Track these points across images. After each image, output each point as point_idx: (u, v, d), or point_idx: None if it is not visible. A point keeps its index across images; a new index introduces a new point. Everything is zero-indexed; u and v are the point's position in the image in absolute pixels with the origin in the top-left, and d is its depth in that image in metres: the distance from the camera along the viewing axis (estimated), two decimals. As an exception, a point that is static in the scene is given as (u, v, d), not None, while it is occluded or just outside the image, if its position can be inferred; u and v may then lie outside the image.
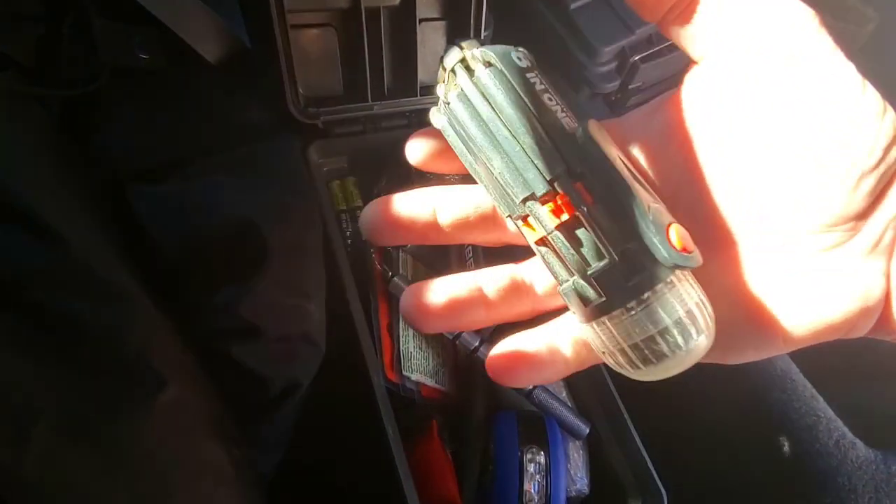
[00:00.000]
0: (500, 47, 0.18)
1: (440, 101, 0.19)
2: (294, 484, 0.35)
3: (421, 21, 0.40)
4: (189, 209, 0.29)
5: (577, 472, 0.33)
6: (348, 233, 0.40)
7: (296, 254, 0.30)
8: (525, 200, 0.17)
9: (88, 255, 0.26)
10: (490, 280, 0.21)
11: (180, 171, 0.33)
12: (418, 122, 0.43)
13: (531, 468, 0.30)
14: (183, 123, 0.36)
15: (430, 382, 0.37)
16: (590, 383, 0.37)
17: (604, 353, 0.17)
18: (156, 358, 0.26)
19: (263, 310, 0.28)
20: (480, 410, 0.37)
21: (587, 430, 0.34)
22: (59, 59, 0.36)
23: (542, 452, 0.31)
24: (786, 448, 0.35)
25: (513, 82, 0.17)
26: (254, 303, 0.28)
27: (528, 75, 0.17)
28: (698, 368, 0.42)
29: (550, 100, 0.17)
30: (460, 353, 0.40)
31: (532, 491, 0.29)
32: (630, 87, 0.48)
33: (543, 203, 0.17)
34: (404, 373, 0.36)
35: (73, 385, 0.24)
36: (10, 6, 0.34)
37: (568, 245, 0.16)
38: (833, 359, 0.45)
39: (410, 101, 0.42)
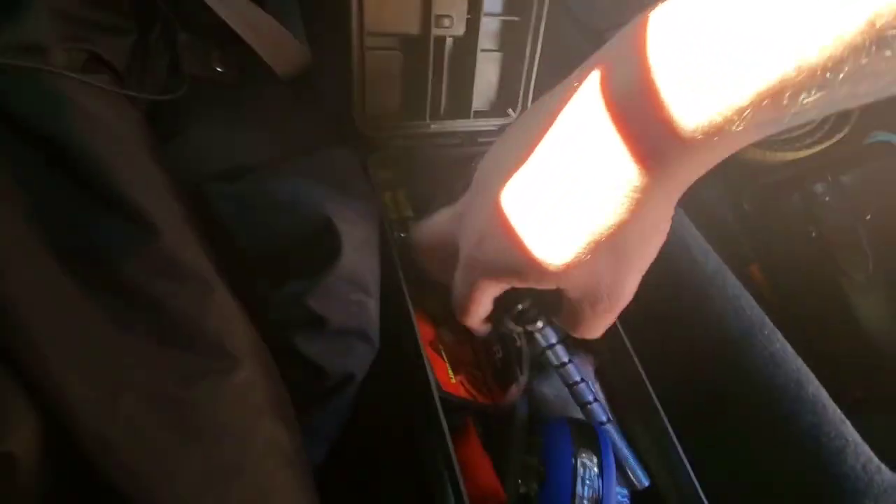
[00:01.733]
0: None
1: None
2: (333, 480, 0.36)
3: (481, 51, 0.43)
4: (268, 207, 0.31)
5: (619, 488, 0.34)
6: (398, 242, 0.42)
7: (362, 252, 0.32)
8: None
9: (177, 244, 0.28)
10: None
11: (254, 174, 0.36)
12: (470, 143, 0.45)
13: (584, 473, 0.31)
14: (254, 133, 0.39)
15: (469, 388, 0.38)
16: (631, 397, 0.38)
17: None
18: (231, 340, 0.28)
19: (330, 302, 0.30)
20: (523, 414, 0.38)
21: (647, 483, 0.35)
22: (146, 68, 0.40)
23: (595, 458, 0.31)
24: (815, 471, 0.36)
25: None
26: (322, 295, 0.30)
27: None
28: (734, 397, 0.43)
29: None
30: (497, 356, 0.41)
31: (585, 495, 0.30)
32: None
33: None
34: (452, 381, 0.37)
35: (158, 361, 0.26)
36: (109, 19, 0.38)
37: None
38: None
39: (464, 122, 0.45)
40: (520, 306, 0.36)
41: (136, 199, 0.28)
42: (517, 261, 0.29)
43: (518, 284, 0.31)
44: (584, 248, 0.27)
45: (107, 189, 0.28)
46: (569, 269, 0.28)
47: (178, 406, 0.25)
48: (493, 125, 0.46)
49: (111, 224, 0.28)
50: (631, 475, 0.35)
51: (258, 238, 0.32)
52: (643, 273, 0.29)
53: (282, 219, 0.31)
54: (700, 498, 0.31)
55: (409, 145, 0.43)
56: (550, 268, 0.28)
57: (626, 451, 0.35)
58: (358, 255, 0.31)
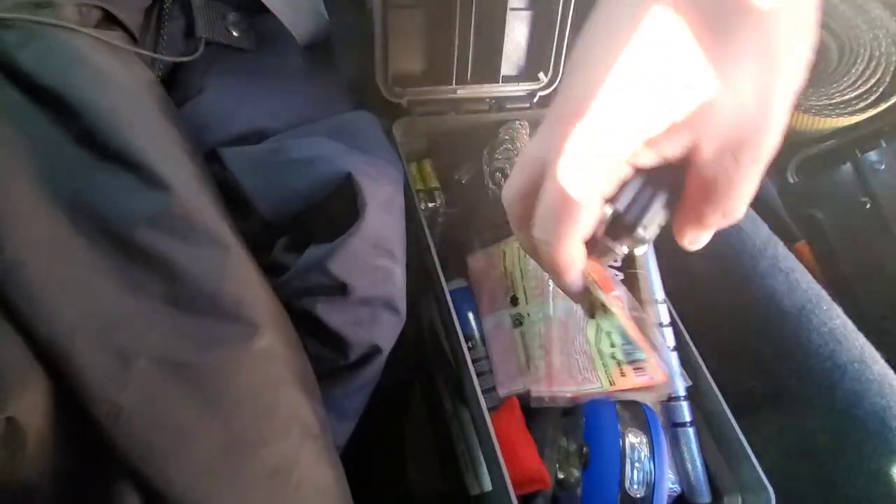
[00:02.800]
0: None
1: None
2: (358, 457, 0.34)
3: (510, 10, 0.40)
4: (286, 165, 0.29)
5: (668, 469, 0.31)
6: (426, 213, 0.39)
7: (387, 214, 0.29)
8: None
9: (190, 203, 0.26)
10: None
11: (272, 140, 0.34)
12: (498, 109, 0.43)
13: (633, 454, 0.28)
14: (272, 99, 0.37)
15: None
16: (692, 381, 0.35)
17: None
18: (250, 305, 0.26)
19: (353, 267, 0.28)
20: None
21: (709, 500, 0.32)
22: (160, 30, 0.38)
23: (645, 438, 0.29)
24: (882, 458, 0.33)
25: None
26: (345, 259, 0.27)
27: None
28: (790, 377, 0.39)
29: None
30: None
31: (635, 479, 0.27)
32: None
33: None
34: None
35: (173, 325, 0.24)
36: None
37: None
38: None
39: (492, 87, 0.42)
40: (614, 207, 0.24)
41: (147, 156, 0.26)
42: (647, 102, 0.22)
43: (640, 151, 0.23)
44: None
45: (117, 145, 0.26)
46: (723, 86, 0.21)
47: (195, 374, 0.23)
48: (523, 90, 0.44)
49: (121, 181, 0.26)
50: (693, 486, 0.31)
51: (276, 199, 0.30)
52: (793, 98, 0.23)
53: (300, 177, 0.29)
54: (763, 483, 0.28)
55: (434, 111, 0.41)
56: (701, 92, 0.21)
57: (698, 461, 0.32)
58: (383, 215, 0.29)
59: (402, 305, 0.30)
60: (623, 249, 0.26)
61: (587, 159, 0.23)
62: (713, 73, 0.22)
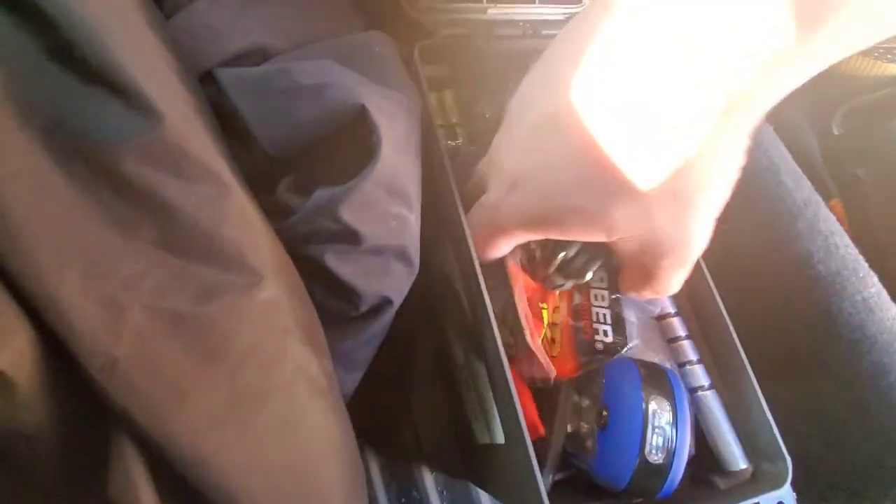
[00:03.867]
0: None
1: None
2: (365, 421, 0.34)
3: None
4: (291, 91, 0.26)
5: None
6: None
7: (403, 155, 0.26)
8: None
9: (184, 134, 0.23)
10: None
11: (275, 61, 0.30)
12: (533, 34, 0.38)
13: (655, 420, 0.27)
14: (276, 9, 0.32)
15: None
16: (716, 345, 0.33)
17: None
18: (252, 252, 0.23)
19: (366, 214, 0.25)
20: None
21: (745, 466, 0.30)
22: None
23: (668, 404, 0.28)
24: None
25: None
26: (357, 204, 0.25)
27: None
28: (820, 345, 0.38)
29: None
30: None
31: (654, 445, 0.26)
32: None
33: None
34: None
35: (169, 271, 0.22)
36: None
37: None
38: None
39: (527, 8, 0.37)
40: (563, 254, 0.31)
41: (134, 78, 0.23)
42: (562, 205, 0.25)
43: (556, 236, 0.27)
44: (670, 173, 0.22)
45: (100, 63, 0.23)
46: (631, 211, 0.23)
47: (195, 325, 0.21)
48: (562, 13, 0.38)
49: (105, 105, 0.23)
50: (727, 456, 0.30)
51: (279, 129, 0.26)
52: (716, 215, 0.24)
53: (307, 105, 0.25)
54: (784, 456, 0.28)
55: (460, 34, 0.36)
56: (614, 207, 0.23)
57: (725, 426, 0.30)
58: (399, 156, 0.26)
59: (416, 256, 0.28)
60: (569, 284, 0.33)
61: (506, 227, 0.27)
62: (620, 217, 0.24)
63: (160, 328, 0.21)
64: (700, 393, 0.30)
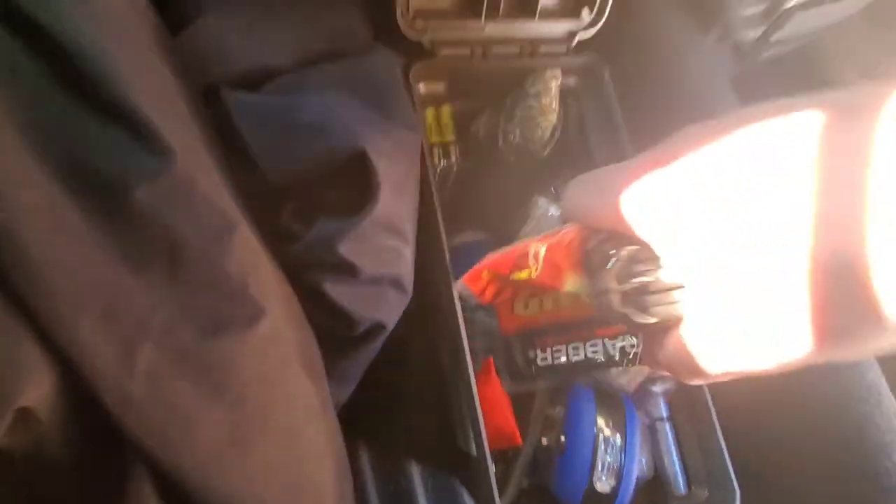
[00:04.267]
0: None
1: None
2: (356, 416, 0.36)
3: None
4: (294, 128, 0.27)
5: (642, 455, 0.33)
6: (439, 168, 0.37)
7: (399, 193, 0.28)
8: None
9: (194, 170, 0.24)
10: None
11: (279, 79, 0.30)
12: (531, 53, 0.38)
13: (605, 448, 0.30)
14: (281, 27, 0.32)
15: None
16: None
17: None
18: (255, 286, 0.25)
19: (363, 249, 0.27)
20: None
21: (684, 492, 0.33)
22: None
23: (619, 434, 0.30)
24: (857, 464, 0.34)
25: None
26: (355, 240, 0.26)
27: None
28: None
29: None
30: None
31: (605, 473, 0.29)
32: (773, 39, 0.42)
33: None
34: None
35: (177, 304, 0.23)
36: None
37: None
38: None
39: (526, 24, 0.37)
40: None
41: (147, 115, 0.23)
42: None
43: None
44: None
45: (113, 97, 0.23)
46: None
47: (200, 361, 0.23)
48: (561, 30, 0.39)
49: (119, 144, 0.24)
50: (672, 480, 0.33)
51: (282, 162, 0.27)
52: None
53: (309, 144, 0.26)
54: (734, 487, 0.30)
55: (457, 55, 0.37)
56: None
57: (674, 455, 0.33)
58: (397, 197, 0.27)
59: (410, 283, 0.30)
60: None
61: None
62: None
63: (169, 364, 0.22)
64: (658, 424, 0.33)
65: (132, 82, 0.23)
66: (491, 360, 0.38)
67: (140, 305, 0.23)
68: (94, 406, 0.21)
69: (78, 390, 0.21)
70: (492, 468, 0.31)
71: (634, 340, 0.28)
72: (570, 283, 0.24)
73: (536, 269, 0.25)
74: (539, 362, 0.32)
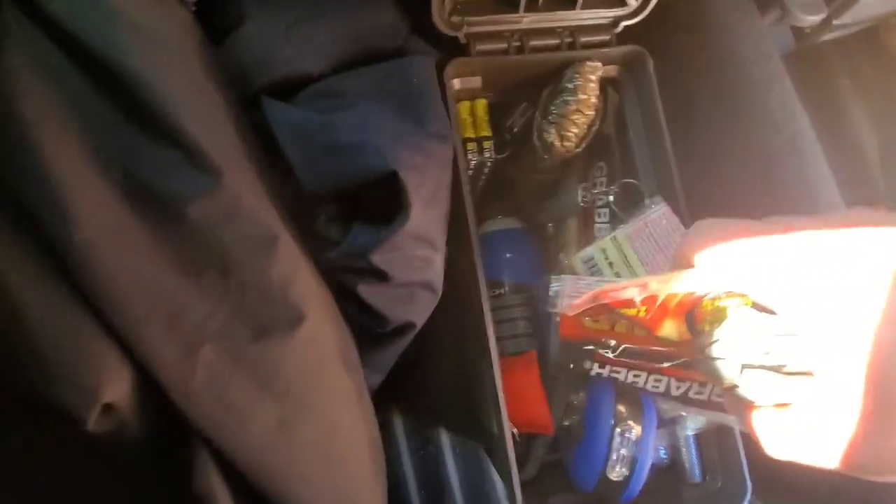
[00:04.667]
0: None
1: None
2: (392, 390, 0.39)
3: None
4: (329, 146, 0.28)
5: (660, 442, 0.35)
6: (472, 164, 0.38)
7: (430, 206, 0.29)
8: None
9: (239, 186, 0.26)
10: None
11: (318, 86, 0.31)
12: (570, 46, 0.37)
13: (621, 441, 0.32)
14: (317, 33, 0.33)
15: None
16: None
17: None
18: (295, 292, 0.27)
19: (394, 259, 0.29)
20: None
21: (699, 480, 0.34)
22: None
23: (636, 428, 0.32)
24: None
25: None
26: (387, 251, 0.28)
27: None
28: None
29: None
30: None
31: (619, 464, 0.31)
32: (835, 21, 0.39)
33: None
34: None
35: (230, 310, 0.26)
36: None
37: None
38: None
39: (567, 14, 0.36)
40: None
41: (198, 137, 0.26)
42: None
43: None
44: None
45: (166, 123, 0.25)
46: None
47: (250, 360, 0.26)
48: (605, 18, 0.37)
49: (172, 164, 0.26)
50: (688, 469, 0.35)
51: (318, 176, 0.29)
52: None
53: (343, 163, 0.28)
54: (745, 477, 0.32)
55: (495, 50, 0.36)
56: None
57: (692, 445, 0.35)
58: (427, 211, 0.28)
59: (440, 284, 0.32)
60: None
61: None
62: None
63: (224, 363, 0.25)
64: (678, 417, 0.35)
65: (183, 106, 0.25)
66: (534, 352, 0.39)
67: (198, 312, 0.26)
68: (164, 398, 0.25)
69: (150, 384, 0.25)
70: (511, 448, 0.33)
71: (703, 390, 0.28)
72: (668, 329, 0.24)
73: (646, 311, 0.24)
74: (591, 374, 0.31)
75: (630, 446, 0.32)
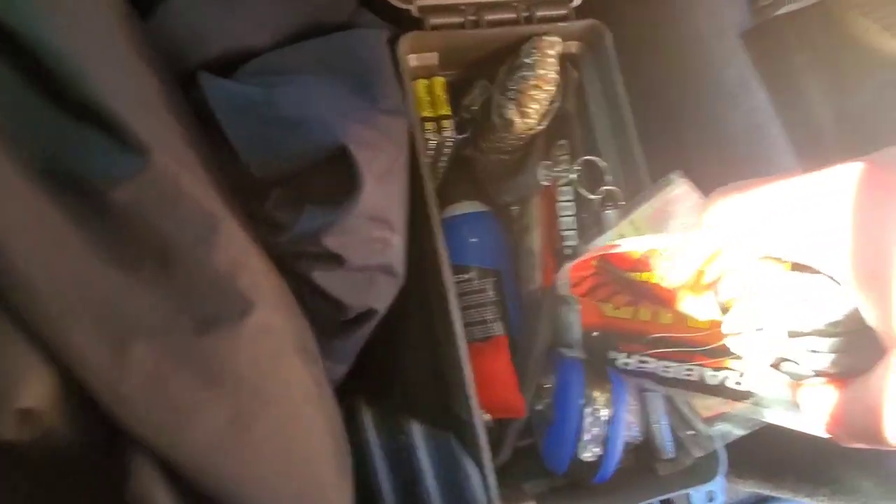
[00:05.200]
0: None
1: None
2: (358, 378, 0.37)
3: None
4: (273, 122, 0.26)
5: (632, 420, 0.34)
6: (431, 144, 0.36)
7: (385, 183, 0.27)
8: None
9: (173, 167, 0.24)
10: None
11: (258, 61, 0.29)
12: (528, 19, 0.36)
13: (592, 421, 0.31)
14: (256, 4, 0.31)
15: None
16: None
17: None
18: (243, 280, 0.25)
19: (349, 241, 0.27)
20: (542, 344, 0.38)
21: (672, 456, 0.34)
22: None
23: (606, 407, 0.31)
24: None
25: None
26: (340, 233, 0.26)
27: None
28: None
29: None
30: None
31: (590, 444, 0.31)
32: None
33: None
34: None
35: (168, 303, 0.24)
36: None
37: None
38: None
39: (524, -15, 0.35)
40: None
41: (120, 111, 0.23)
42: None
43: None
44: None
45: (85, 98, 0.23)
46: None
47: (193, 356, 0.24)
48: (564, -11, 0.36)
49: (95, 143, 0.24)
50: (660, 445, 0.35)
51: (262, 155, 0.27)
52: None
53: (290, 138, 0.26)
54: (717, 453, 0.31)
55: (448, 24, 0.35)
56: None
57: (664, 422, 0.34)
58: (381, 187, 0.27)
59: (401, 268, 0.30)
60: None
61: None
62: None
63: (164, 360, 0.23)
64: (647, 392, 0.34)
65: (103, 80, 0.23)
66: (504, 337, 0.38)
67: (133, 307, 0.23)
68: (94, 401, 0.22)
69: (77, 388, 0.22)
70: (483, 434, 0.32)
71: (740, 377, 0.25)
72: (690, 305, 0.23)
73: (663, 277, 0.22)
74: (618, 364, 0.30)
75: (602, 426, 0.31)
